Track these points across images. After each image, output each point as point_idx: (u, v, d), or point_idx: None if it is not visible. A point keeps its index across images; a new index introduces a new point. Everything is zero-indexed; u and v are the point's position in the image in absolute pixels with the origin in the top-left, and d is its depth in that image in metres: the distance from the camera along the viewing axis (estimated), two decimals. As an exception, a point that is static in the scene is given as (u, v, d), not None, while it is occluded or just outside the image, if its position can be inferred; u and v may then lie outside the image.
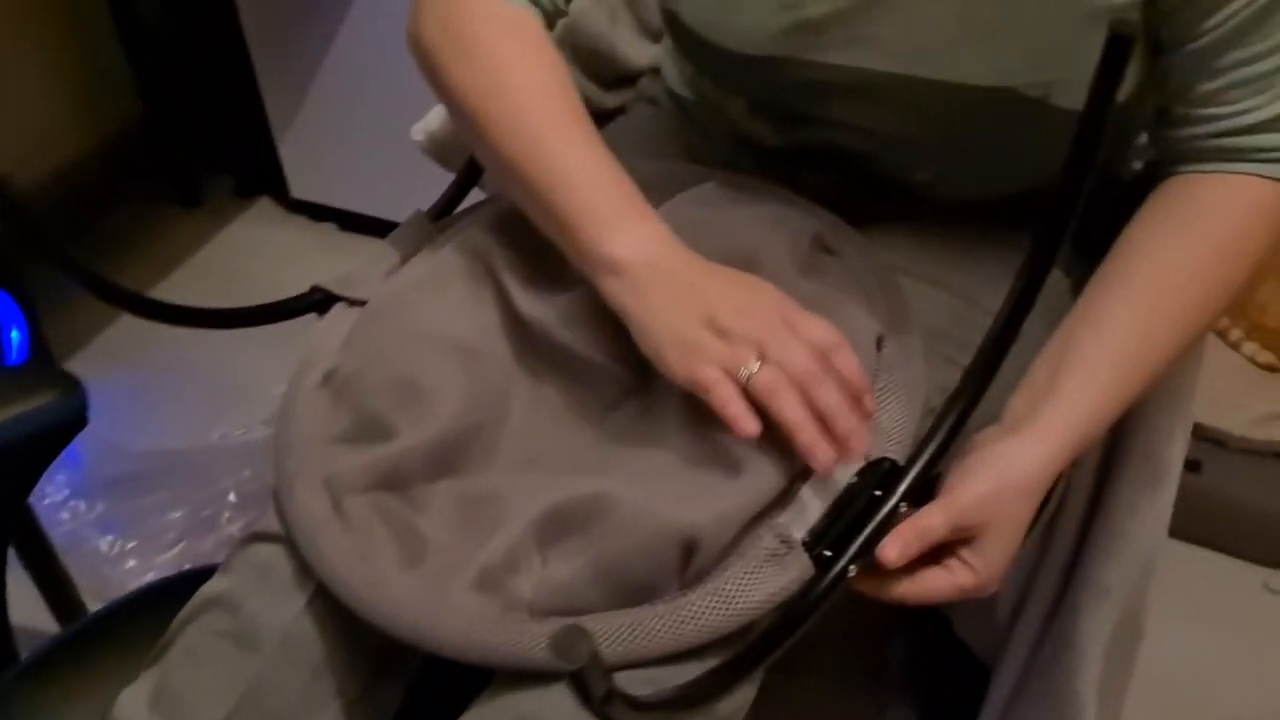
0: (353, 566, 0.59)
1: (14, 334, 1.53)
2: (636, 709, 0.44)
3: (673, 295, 0.60)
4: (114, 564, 1.29)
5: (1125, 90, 0.67)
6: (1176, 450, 0.77)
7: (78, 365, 1.60)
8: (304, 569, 0.62)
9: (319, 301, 0.75)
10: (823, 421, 0.57)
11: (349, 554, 0.59)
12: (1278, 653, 1.20)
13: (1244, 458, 1.26)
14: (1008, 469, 0.60)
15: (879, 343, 0.67)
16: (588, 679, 0.40)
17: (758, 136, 0.82)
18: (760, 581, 0.56)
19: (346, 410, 0.66)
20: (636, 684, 0.54)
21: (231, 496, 1.35)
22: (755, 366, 0.57)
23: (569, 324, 0.67)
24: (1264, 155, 0.64)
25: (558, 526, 0.59)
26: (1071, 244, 0.82)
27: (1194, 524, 1.25)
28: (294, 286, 0.78)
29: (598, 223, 0.62)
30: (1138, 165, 0.87)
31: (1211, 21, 0.62)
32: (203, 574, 0.72)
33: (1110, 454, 0.79)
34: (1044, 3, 0.63)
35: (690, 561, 0.57)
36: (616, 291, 0.61)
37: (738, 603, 0.56)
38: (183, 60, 1.80)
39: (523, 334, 0.70)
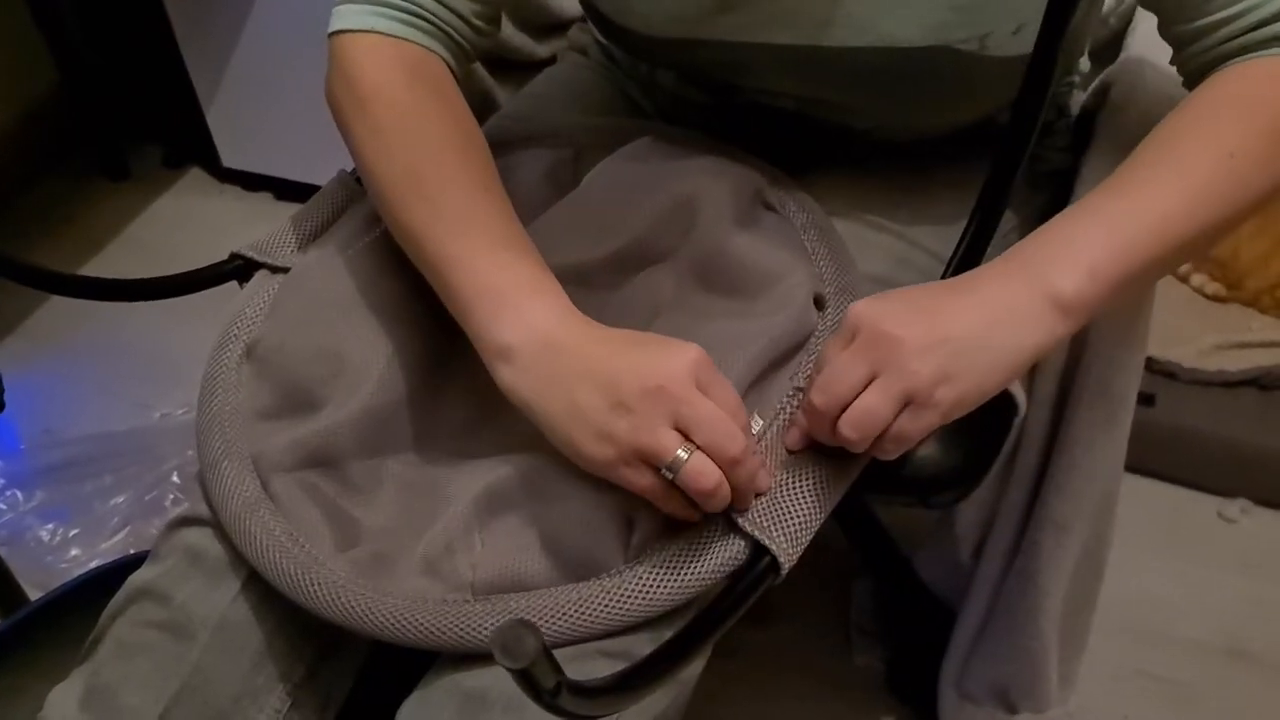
0: (285, 550, 0.56)
1: (-62, 320, 1.47)
2: (587, 696, 0.42)
3: (572, 377, 0.53)
4: (57, 553, 1.25)
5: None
6: (1131, 385, 0.76)
7: (6, 351, 1.54)
8: (236, 553, 0.59)
9: (239, 269, 0.72)
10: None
11: (280, 538, 0.57)
12: (1233, 579, 1.22)
13: (1195, 389, 1.26)
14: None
15: (820, 301, 0.65)
16: (535, 674, 0.38)
17: (690, 99, 0.79)
18: (707, 552, 0.55)
19: (271, 384, 0.63)
20: (587, 656, 0.53)
21: (175, 478, 1.31)
22: (684, 457, 0.50)
23: None
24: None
25: (496, 504, 0.57)
26: (1025, 181, 0.81)
27: (1149, 456, 1.25)
28: None
29: (488, 302, 0.56)
30: (1083, 96, 0.85)
31: None
32: (142, 560, 0.69)
33: (1066, 391, 0.78)
34: None
35: (632, 533, 0.55)
36: (510, 381, 0.55)
37: (684, 575, 0.54)
38: (97, 26, 1.73)
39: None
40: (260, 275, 0.71)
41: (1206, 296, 1.35)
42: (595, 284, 0.67)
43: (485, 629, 0.53)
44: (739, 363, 0.60)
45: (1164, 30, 0.63)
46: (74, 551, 1.26)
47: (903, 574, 1.03)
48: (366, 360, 0.61)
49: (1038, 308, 0.53)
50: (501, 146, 0.78)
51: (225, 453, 0.61)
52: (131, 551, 1.27)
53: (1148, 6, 0.63)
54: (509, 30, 0.94)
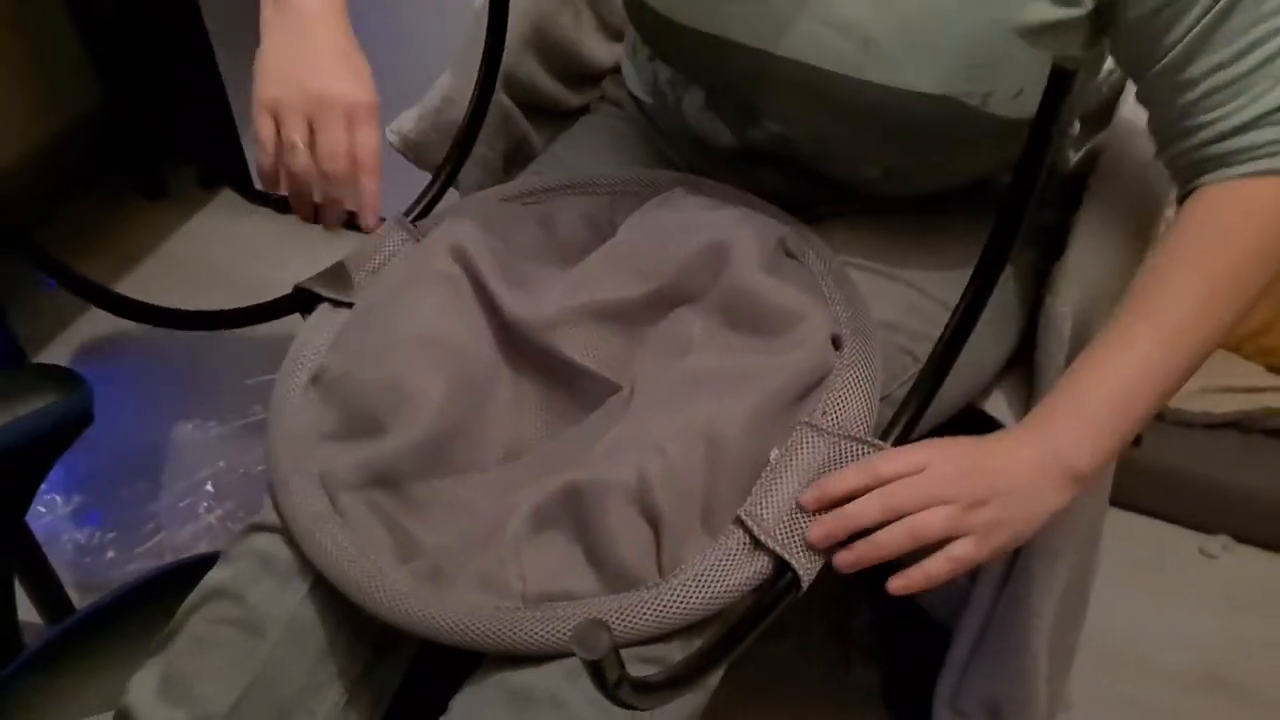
0: (352, 560, 0.62)
1: (-19, 330, 1.53)
2: (642, 691, 0.49)
3: (291, 49, 0.72)
4: (93, 555, 1.31)
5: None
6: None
7: (47, 358, 1.60)
8: (304, 559, 0.65)
9: (303, 302, 0.78)
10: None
11: (348, 549, 0.63)
12: (1212, 613, 1.27)
13: (1180, 429, 1.32)
14: (943, 442, 0.64)
15: (837, 342, 0.71)
16: (605, 667, 0.44)
17: (712, 135, 0.85)
18: (736, 568, 0.61)
19: (336, 409, 0.69)
20: (627, 661, 0.59)
21: (209, 486, 1.37)
22: (300, 146, 0.71)
23: (554, 328, 0.71)
24: (1261, 151, 0.65)
25: (544, 523, 0.63)
26: (1028, 235, 0.87)
27: (1135, 492, 1.31)
28: (259, 279, 0.80)
29: None
30: (1074, 156, 0.92)
31: (1172, 37, 0.65)
32: (199, 564, 0.75)
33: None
34: (977, 19, 0.67)
35: (662, 548, 0.61)
36: (266, 19, 0.73)
37: (715, 587, 0.60)
38: (142, 50, 1.79)
39: (505, 334, 0.73)
40: (323, 308, 0.77)
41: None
42: (633, 320, 0.74)
43: (535, 634, 0.59)
44: (760, 393, 0.66)
45: (1150, 124, 0.71)
46: (109, 554, 1.32)
47: (901, 597, 1.08)
48: (425, 392, 0.67)
49: (1061, 481, 0.63)
50: (544, 192, 0.85)
51: (294, 470, 0.67)
52: (166, 556, 1.33)
53: (1141, 100, 0.71)
54: (545, 80, 1.01)
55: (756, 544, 0.61)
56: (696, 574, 0.60)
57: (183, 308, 0.80)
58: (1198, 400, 1.32)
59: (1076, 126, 0.93)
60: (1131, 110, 0.87)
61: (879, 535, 0.60)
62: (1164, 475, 1.32)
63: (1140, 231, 0.79)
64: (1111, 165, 0.81)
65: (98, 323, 1.65)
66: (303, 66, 0.71)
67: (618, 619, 0.59)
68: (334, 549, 0.63)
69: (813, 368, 0.68)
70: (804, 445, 0.65)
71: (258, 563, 0.66)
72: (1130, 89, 0.91)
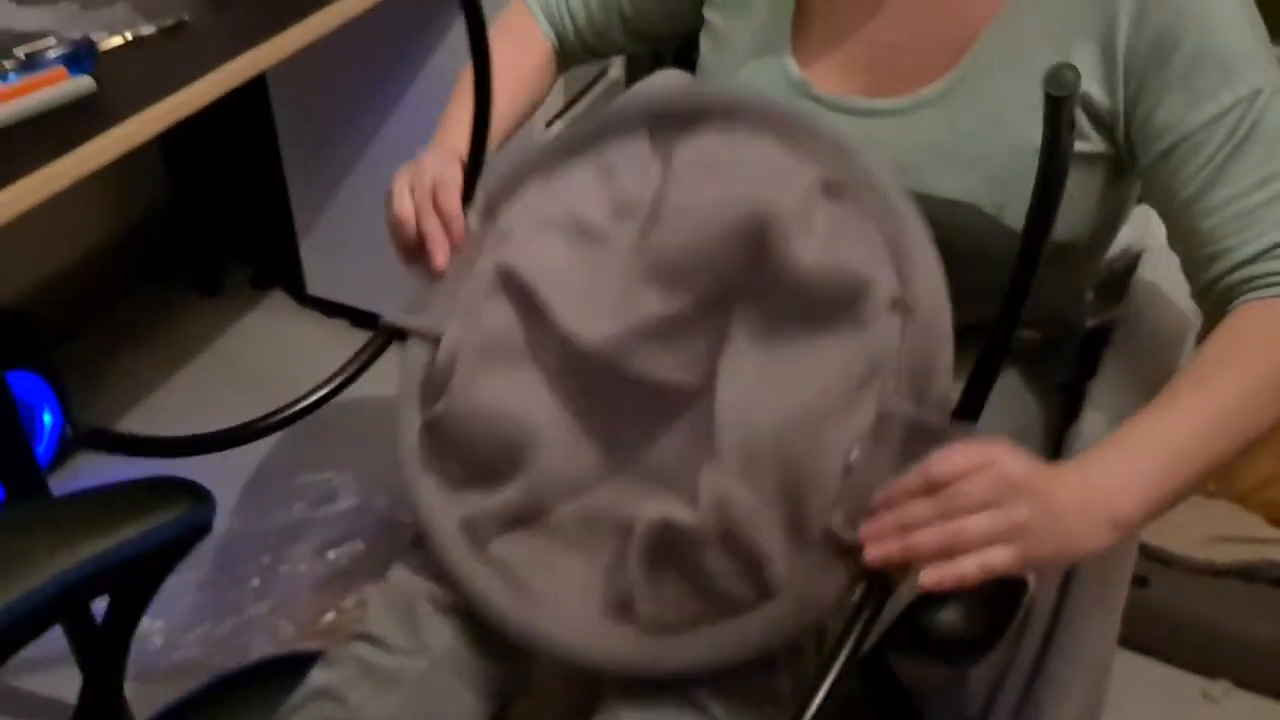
0: (497, 592, 0.73)
1: (45, 416, 1.61)
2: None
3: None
4: (141, 641, 1.34)
5: (1067, 232, 0.78)
6: (1125, 572, 0.89)
7: (89, 455, 1.66)
8: (399, 670, 0.72)
9: (393, 338, 0.89)
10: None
11: (491, 582, 0.73)
12: (1214, 757, 1.30)
13: (1186, 575, 1.37)
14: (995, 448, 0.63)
15: (899, 304, 0.69)
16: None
17: None
18: (831, 577, 0.66)
19: (455, 463, 0.78)
20: (737, 702, 0.67)
21: (255, 582, 1.43)
22: (405, 193, 0.91)
23: (622, 351, 0.75)
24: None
25: (654, 561, 0.70)
26: (1044, 390, 0.95)
27: (1141, 634, 1.35)
28: (305, 379, 0.88)
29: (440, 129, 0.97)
30: (1091, 323, 1.00)
31: (1189, 170, 0.71)
32: (288, 661, 0.81)
33: (1068, 577, 0.91)
34: (997, 139, 0.77)
35: (759, 568, 0.66)
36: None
37: (815, 599, 0.66)
38: (215, 154, 1.90)
39: (581, 360, 0.76)
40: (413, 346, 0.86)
41: (1200, 492, 1.47)
42: (684, 329, 0.74)
43: (651, 656, 0.69)
44: (824, 392, 0.68)
45: (1182, 265, 0.77)
46: (156, 643, 1.36)
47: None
48: (535, 432, 0.75)
49: (1101, 522, 0.64)
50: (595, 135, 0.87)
51: (440, 516, 0.77)
52: (210, 645, 1.37)
53: (1171, 243, 0.77)
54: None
55: (845, 550, 0.65)
56: (795, 588, 0.66)
57: (234, 404, 0.86)
58: (1203, 549, 1.37)
59: (1091, 294, 1.02)
60: (1147, 288, 0.94)
61: (914, 537, 0.61)
62: (1169, 618, 1.36)
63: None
64: (1127, 337, 0.89)
65: (151, 413, 1.72)
66: (420, 164, 0.91)
67: (732, 643, 0.66)
68: (481, 581, 0.73)
69: (875, 354, 0.68)
70: (882, 442, 0.66)
71: (359, 668, 0.73)
72: (1144, 264, 0.99)
